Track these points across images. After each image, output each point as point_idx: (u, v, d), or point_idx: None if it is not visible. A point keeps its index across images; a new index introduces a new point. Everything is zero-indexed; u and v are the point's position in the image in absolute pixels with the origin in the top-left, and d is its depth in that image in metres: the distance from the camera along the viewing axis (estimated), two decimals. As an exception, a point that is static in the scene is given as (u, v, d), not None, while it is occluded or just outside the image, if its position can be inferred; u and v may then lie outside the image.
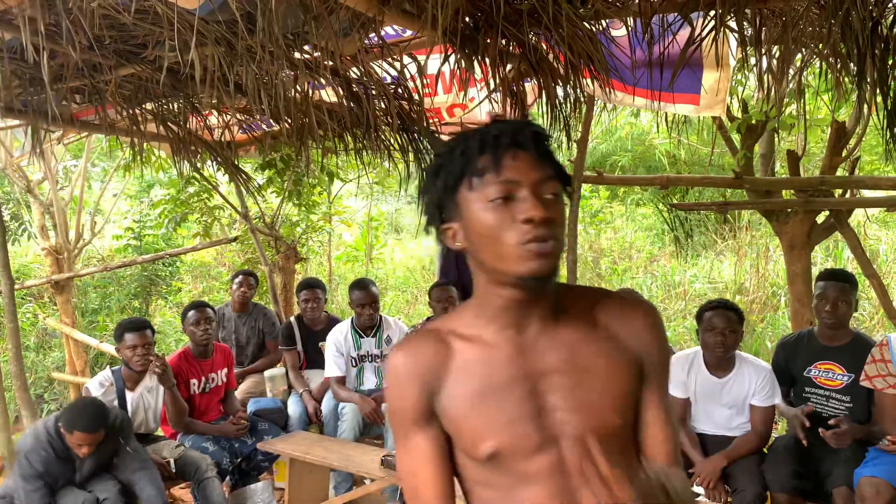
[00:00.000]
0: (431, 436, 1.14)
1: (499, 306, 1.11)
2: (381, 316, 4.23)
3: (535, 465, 1.08)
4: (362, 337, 4.16)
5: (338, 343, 4.11)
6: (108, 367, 3.92)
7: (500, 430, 1.08)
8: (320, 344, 4.38)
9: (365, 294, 4.09)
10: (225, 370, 4.00)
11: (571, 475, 1.07)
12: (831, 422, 2.86)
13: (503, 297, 1.09)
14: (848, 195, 4.10)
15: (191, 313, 3.87)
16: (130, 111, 3.44)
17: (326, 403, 4.08)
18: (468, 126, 3.68)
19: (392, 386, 1.16)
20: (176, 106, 3.52)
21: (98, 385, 3.55)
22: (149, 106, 3.50)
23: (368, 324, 4.13)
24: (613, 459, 1.08)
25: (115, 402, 3.53)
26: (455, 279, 4.44)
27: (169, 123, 3.71)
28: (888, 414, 2.79)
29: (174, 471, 3.48)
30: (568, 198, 1.12)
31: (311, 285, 4.55)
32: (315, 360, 4.42)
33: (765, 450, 3.13)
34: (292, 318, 4.61)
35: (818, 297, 3.05)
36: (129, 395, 3.58)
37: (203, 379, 3.88)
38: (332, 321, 4.49)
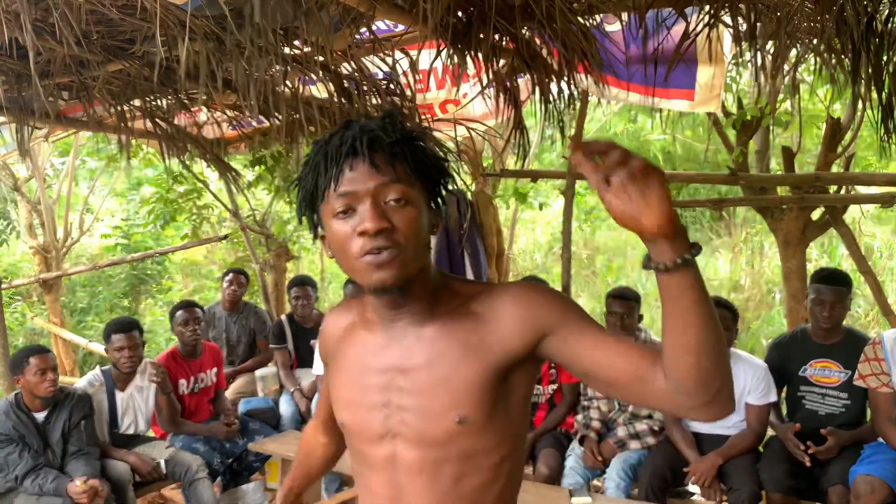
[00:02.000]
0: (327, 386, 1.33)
1: (375, 302, 1.13)
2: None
3: (375, 453, 1.14)
4: (354, 335, 4.13)
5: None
6: (97, 366, 3.88)
7: (350, 409, 1.17)
8: (312, 342, 4.35)
9: (356, 288, 4.07)
10: (214, 370, 3.96)
11: (401, 472, 1.12)
12: (823, 431, 2.86)
13: (372, 296, 1.12)
14: (843, 191, 4.10)
15: (179, 313, 3.83)
16: (118, 108, 3.39)
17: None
18: (462, 123, 3.66)
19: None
20: (165, 102, 3.48)
21: (87, 384, 3.51)
22: (137, 102, 3.45)
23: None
24: (450, 465, 1.09)
25: (105, 402, 3.49)
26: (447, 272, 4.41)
27: (157, 120, 3.66)
28: (883, 413, 2.78)
29: (164, 472, 3.44)
30: (441, 191, 1.11)
31: (303, 282, 4.52)
32: (306, 358, 4.38)
33: (760, 448, 3.12)
34: (283, 317, 4.58)
35: (814, 300, 3.01)
36: (118, 396, 3.54)
37: (192, 379, 3.84)
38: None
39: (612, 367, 1.01)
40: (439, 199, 1.12)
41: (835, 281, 2.99)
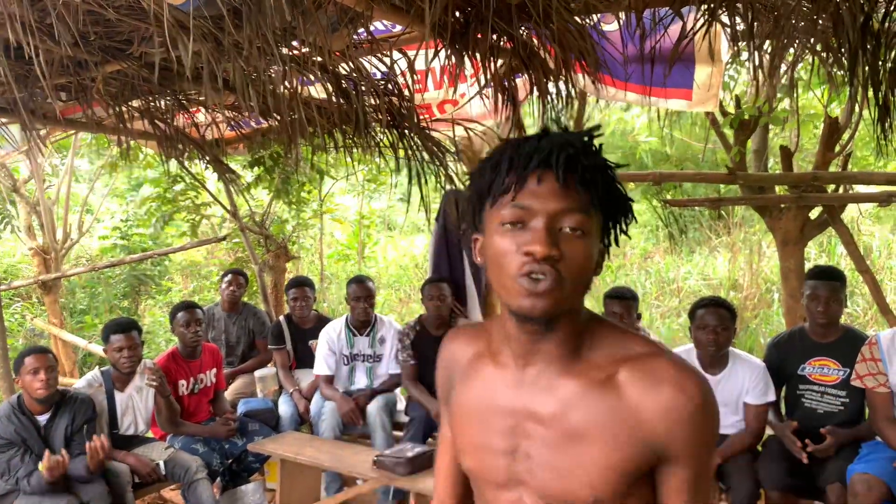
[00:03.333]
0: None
1: (509, 331, 1.04)
2: (376, 315, 4.20)
3: (501, 499, 1.07)
4: (356, 335, 4.13)
5: (330, 341, 4.08)
6: (97, 367, 3.89)
7: (475, 452, 1.08)
8: (310, 343, 4.35)
9: (360, 287, 4.08)
10: (214, 370, 3.96)
11: None
12: (822, 431, 2.88)
13: (511, 323, 1.02)
14: (841, 191, 4.10)
15: (180, 314, 3.83)
16: (117, 108, 3.40)
17: (316, 403, 4.05)
18: (460, 123, 3.66)
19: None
20: (163, 103, 3.48)
21: (86, 385, 3.51)
22: (135, 103, 3.46)
23: (363, 319, 4.10)
24: None
25: (105, 403, 3.49)
26: (447, 275, 4.41)
27: (156, 121, 3.66)
28: (880, 412, 2.79)
29: (163, 473, 3.44)
30: (618, 232, 1.02)
31: (301, 283, 4.52)
32: (304, 359, 4.39)
33: (759, 447, 3.12)
34: (281, 318, 4.58)
35: (809, 296, 3.04)
36: (118, 396, 3.54)
37: (192, 380, 3.84)
38: (322, 320, 4.46)
39: None
40: (612, 239, 1.02)
41: (828, 276, 3.01)
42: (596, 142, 0.99)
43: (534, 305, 0.94)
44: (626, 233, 1.03)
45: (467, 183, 1.05)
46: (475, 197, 1.02)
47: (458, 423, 1.12)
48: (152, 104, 3.47)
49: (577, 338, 1.02)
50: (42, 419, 3.14)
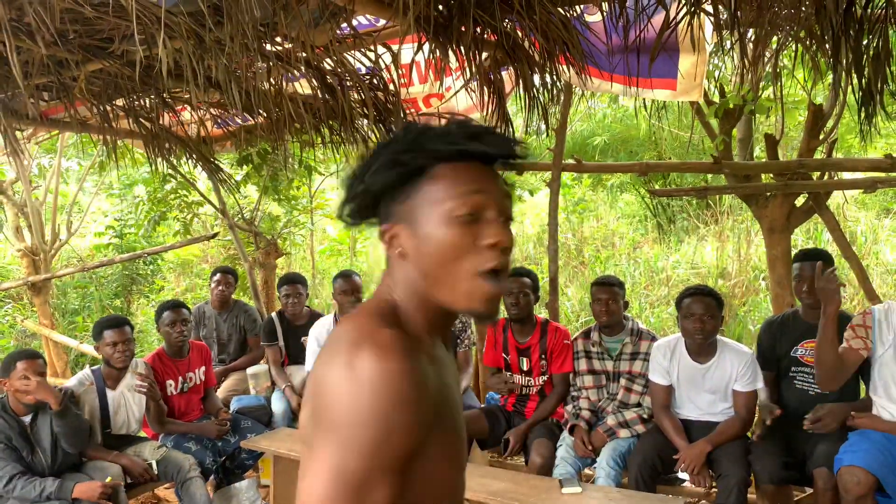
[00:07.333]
0: None
1: (435, 318, 0.97)
2: (363, 309, 4.20)
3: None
4: (345, 331, 4.12)
5: (319, 337, 4.07)
6: (87, 366, 3.87)
7: (453, 482, 1.01)
8: (302, 339, 4.35)
9: (346, 282, 4.09)
10: (202, 368, 3.95)
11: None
12: (808, 417, 2.88)
13: (442, 312, 0.96)
14: (826, 178, 4.12)
15: (165, 314, 3.81)
16: (101, 107, 3.37)
17: (308, 399, 4.05)
18: (446, 117, 3.65)
19: None
20: (147, 101, 3.46)
21: (77, 384, 3.49)
22: (119, 102, 3.43)
23: (351, 314, 4.09)
24: None
25: (97, 402, 3.48)
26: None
27: (141, 120, 3.64)
28: (847, 368, 2.80)
29: (156, 472, 3.43)
30: None
31: (293, 280, 4.51)
32: (297, 355, 4.38)
33: (748, 434, 3.14)
34: (274, 314, 4.57)
35: (795, 277, 3.08)
36: (109, 394, 3.53)
37: (180, 379, 3.83)
38: (315, 316, 4.45)
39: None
40: None
41: (812, 256, 3.03)
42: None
43: (491, 309, 0.92)
44: None
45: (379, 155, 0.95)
46: (402, 174, 0.92)
47: (438, 464, 0.97)
48: (136, 103, 3.44)
49: None
50: (26, 419, 3.13)
